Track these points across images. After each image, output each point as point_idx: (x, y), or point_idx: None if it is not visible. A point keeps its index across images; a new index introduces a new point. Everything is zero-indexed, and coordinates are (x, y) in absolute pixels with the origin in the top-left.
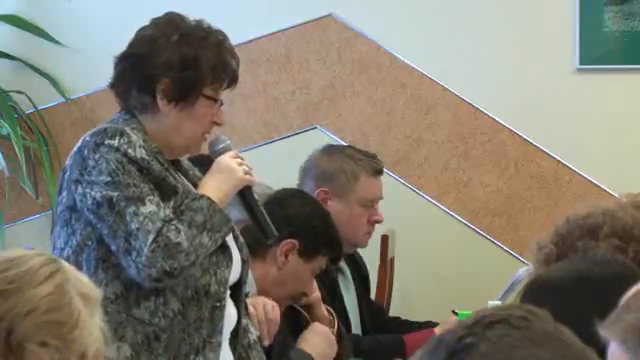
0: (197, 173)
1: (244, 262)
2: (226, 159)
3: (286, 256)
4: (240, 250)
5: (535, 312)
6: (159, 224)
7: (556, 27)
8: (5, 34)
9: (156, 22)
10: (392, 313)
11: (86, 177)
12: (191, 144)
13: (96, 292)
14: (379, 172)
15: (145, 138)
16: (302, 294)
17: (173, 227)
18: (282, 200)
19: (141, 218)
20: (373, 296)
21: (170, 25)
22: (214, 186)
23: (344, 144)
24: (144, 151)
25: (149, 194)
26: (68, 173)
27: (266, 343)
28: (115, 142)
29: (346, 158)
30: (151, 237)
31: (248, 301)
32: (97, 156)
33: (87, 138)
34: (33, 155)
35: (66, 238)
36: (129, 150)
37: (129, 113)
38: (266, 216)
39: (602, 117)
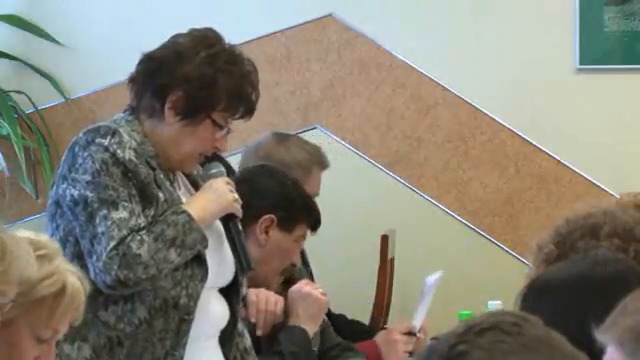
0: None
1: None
2: (219, 182)
3: (267, 232)
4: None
5: (526, 318)
6: (125, 232)
7: (556, 27)
8: (5, 34)
9: (192, 34)
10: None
11: (72, 174)
12: (186, 161)
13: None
14: (327, 166)
15: (143, 141)
16: (291, 265)
17: (138, 237)
18: (250, 179)
19: (109, 223)
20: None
21: (203, 41)
22: (200, 205)
23: (343, 142)
24: (133, 153)
25: (125, 199)
26: (60, 169)
27: (259, 333)
28: (105, 141)
29: (300, 150)
30: (112, 244)
31: (251, 290)
32: (86, 154)
33: (81, 135)
34: (33, 155)
35: (51, 232)
36: (118, 151)
37: (133, 114)
38: (246, 248)
39: (602, 117)
